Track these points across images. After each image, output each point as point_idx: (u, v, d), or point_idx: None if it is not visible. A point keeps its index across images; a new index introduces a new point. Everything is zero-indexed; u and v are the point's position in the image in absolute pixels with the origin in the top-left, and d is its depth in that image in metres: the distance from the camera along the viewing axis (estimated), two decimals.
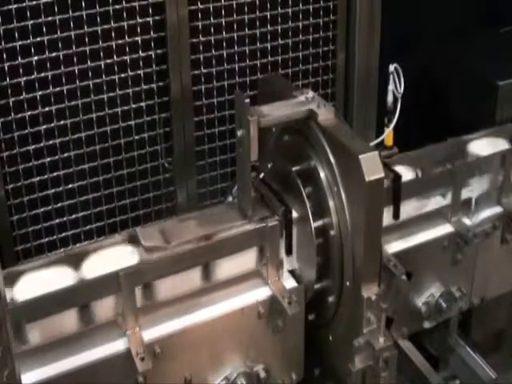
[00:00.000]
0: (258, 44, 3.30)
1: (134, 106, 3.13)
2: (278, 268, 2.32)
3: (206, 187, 3.40)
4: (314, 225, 2.31)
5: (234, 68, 3.28)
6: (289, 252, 2.36)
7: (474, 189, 2.60)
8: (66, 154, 3.06)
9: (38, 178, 3.03)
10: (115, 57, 3.01)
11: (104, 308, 2.12)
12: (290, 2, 3.30)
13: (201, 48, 3.17)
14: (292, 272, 2.40)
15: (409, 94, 3.28)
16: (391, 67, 3.25)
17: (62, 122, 3.00)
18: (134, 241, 2.26)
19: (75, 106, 3.01)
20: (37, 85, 2.90)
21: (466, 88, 3.61)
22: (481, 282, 2.72)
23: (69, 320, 2.08)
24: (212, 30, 3.17)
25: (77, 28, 2.90)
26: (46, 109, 2.95)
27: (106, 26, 2.95)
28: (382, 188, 2.17)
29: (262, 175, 2.44)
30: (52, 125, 2.99)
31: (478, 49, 3.71)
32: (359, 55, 3.47)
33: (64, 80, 2.95)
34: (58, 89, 2.95)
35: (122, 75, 3.06)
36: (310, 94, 2.37)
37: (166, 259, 2.17)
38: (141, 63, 3.08)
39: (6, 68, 2.83)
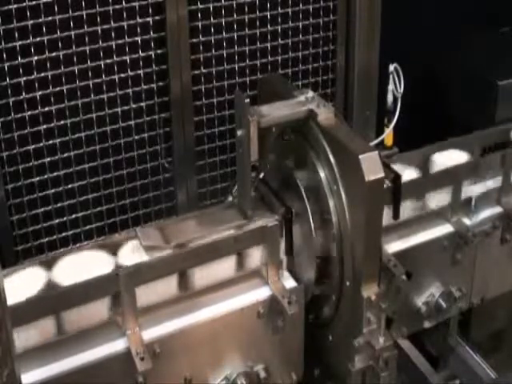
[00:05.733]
0: (258, 44, 3.29)
1: (134, 106, 3.13)
2: (278, 268, 2.32)
3: (206, 187, 3.40)
4: (314, 224, 2.31)
5: (233, 68, 3.27)
6: (289, 252, 2.36)
7: (474, 189, 2.60)
8: (66, 154, 3.05)
9: (37, 178, 3.03)
10: (115, 57, 3.01)
11: (104, 308, 2.12)
12: (290, 2, 3.30)
13: (201, 48, 3.17)
14: (292, 272, 2.40)
15: (409, 94, 3.28)
16: (391, 67, 3.25)
17: (61, 122, 3.00)
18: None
19: (75, 105, 3.01)
20: (37, 85, 2.90)
21: (465, 88, 3.61)
22: (481, 282, 2.72)
23: (68, 320, 2.08)
24: (212, 29, 3.16)
25: (77, 28, 2.90)
26: (46, 109, 2.95)
27: (105, 26, 2.95)
28: (382, 188, 2.17)
29: (261, 175, 2.44)
30: (52, 125, 2.99)
31: (477, 49, 3.71)
32: (359, 55, 3.46)
33: (64, 80, 2.95)
34: (58, 89, 2.94)
35: (122, 75, 3.05)
36: (310, 93, 2.37)
37: (165, 259, 2.17)
38: (141, 63, 3.08)
39: (6, 68, 2.83)
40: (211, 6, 3.13)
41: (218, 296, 2.27)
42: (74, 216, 3.15)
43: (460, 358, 3.02)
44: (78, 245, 3.11)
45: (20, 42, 2.82)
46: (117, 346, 2.12)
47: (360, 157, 2.11)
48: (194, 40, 3.14)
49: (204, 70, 3.21)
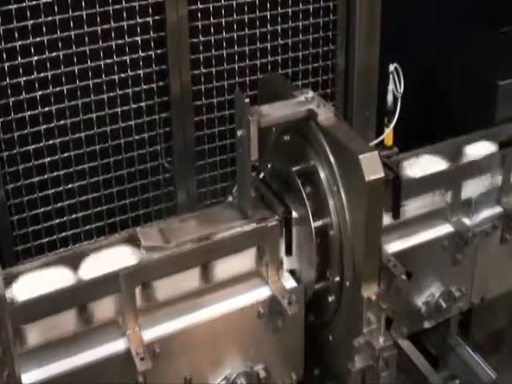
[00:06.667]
0: (258, 44, 3.30)
1: (134, 106, 3.13)
2: (278, 268, 2.32)
3: (206, 187, 3.40)
4: (313, 225, 2.31)
5: (233, 68, 3.28)
6: (289, 252, 2.36)
7: (474, 189, 2.60)
8: (66, 154, 3.06)
9: (37, 178, 3.03)
10: (115, 57, 3.01)
11: (104, 308, 2.12)
12: (290, 2, 3.30)
13: (201, 48, 3.17)
14: (292, 272, 2.40)
15: (409, 94, 3.28)
16: (391, 67, 3.24)
17: (61, 122, 3.00)
18: (133, 241, 2.27)
19: (75, 105, 3.01)
20: (37, 85, 2.90)
21: (465, 88, 3.61)
22: (481, 282, 2.72)
23: (68, 320, 2.08)
24: (212, 30, 3.17)
25: (77, 28, 2.90)
26: (46, 109, 2.95)
27: (105, 26, 2.95)
28: (382, 188, 2.17)
29: (262, 175, 2.44)
30: (52, 125, 2.99)
31: (477, 49, 3.71)
32: (359, 55, 3.47)
33: (64, 80, 2.95)
34: (58, 89, 2.95)
35: (122, 75, 3.06)
36: (310, 93, 2.37)
37: (166, 259, 2.17)
38: (141, 63, 3.08)
39: (6, 68, 2.83)
40: (211, 6, 3.13)
41: (218, 296, 2.27)
42: (73, 216, 3.16)
43: (460, 357, 3.01)
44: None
45: (20, 42, 2.82)
46: (117, 346, 2.12)
47: (360, 157, 2.11)
48: (194, 40, 3.14)
49: (204, 70, 3.21)
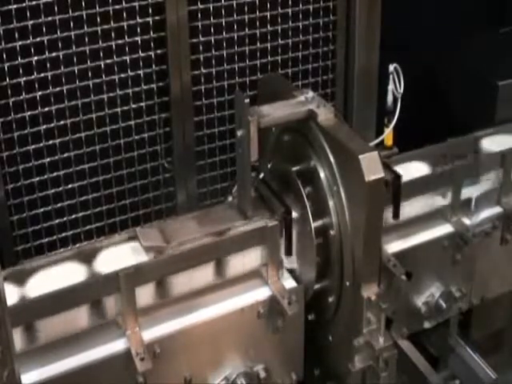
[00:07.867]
0: (258, 44, 3.30)
1: (133, 106, 3.13)
2: (278, 268, 2.32)
3: (206, 187, 3.40)
4: (313, 225, 2.31)
5: (233, 68, 3.28)
6: (289, 252, 2.36)
7: (474, 189, 2.60)
8: (65, 154, 3.05)
9: (37, 178, 3.03)
10: (115, 57, 3.01)
11: (104, 308, 2.12)
12: (290, 2, 3.30)
13: (201, 48, 3.17)
14: (292, 272, 2.40)
15: (409, 94, 3.28)
16: (391, 67, 3.25)
17: (61, 122, 3.00)
18: (133, 241, 2.27)
19: (75, 105, 3.01)
20: (37, 85, 2.90)
21: (465, 88, 3.61)
22: (481, 282, 2.72)
23: (68, 320, 2.08)
24: (212, 30, 3.17)
25: (77, 28, 2.90)
26: (46, 109, 2.95)
27: (105, 26, 2.95)
28: (382, 188, 2.17)
29: (261, 175, 2.44)
30: (52, 125, 2.99)
31: (477, 49, 3.71)
32: (359, 55, 3.47)
33: (64, 80, 2.95)
34: (58, 89, 2.95)
35: (122, 75, 3.05)
36: (310, 94, 2.37)
37: (165, 259, 2.17)
38: (141, 63, 3.08)
39: (6, 68, 2.83)
40: (211, 6, 3.13)
41: (218, 296, 2.27)
42: (73, 216, 3.15)
43: (460, 357, 3.01)
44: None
45: (20, 42, 2.82)
46: (117, 346, 2.12)
47: (360, 157, 2.11)
48: (194, 40, 3.14)
49: (204, 70, 3.21)
